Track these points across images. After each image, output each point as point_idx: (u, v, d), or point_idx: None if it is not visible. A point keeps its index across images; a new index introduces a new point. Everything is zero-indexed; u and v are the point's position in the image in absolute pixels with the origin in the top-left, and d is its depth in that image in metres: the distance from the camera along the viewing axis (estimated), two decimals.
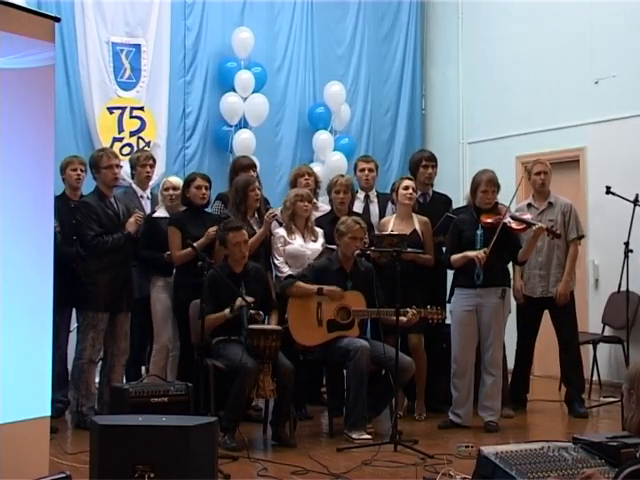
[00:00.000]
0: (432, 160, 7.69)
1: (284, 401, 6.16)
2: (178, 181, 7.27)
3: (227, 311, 6.21)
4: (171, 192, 7.12)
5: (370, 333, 7.09)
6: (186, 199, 6.92)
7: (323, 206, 7.68)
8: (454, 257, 6.67)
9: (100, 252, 6.53)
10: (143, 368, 7.40)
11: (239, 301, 6.14)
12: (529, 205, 7.42)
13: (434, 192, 7.79)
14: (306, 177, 7.54)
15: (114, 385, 6.26)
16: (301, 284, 6.54)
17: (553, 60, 9.29)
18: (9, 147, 4.55)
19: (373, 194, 7.79)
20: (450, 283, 7.24)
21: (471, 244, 6.63)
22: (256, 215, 7.07)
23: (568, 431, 6.59)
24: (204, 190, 6.91)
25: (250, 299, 6.15)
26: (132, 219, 6.69)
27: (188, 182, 6.94)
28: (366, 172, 7.71)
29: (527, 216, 6.94)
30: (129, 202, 7.20)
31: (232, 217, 6.76)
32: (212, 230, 6.71)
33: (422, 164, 7.63)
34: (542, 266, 7.30)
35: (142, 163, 7.39)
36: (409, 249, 6.68)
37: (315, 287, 6.51)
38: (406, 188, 7.12)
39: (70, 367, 6.85)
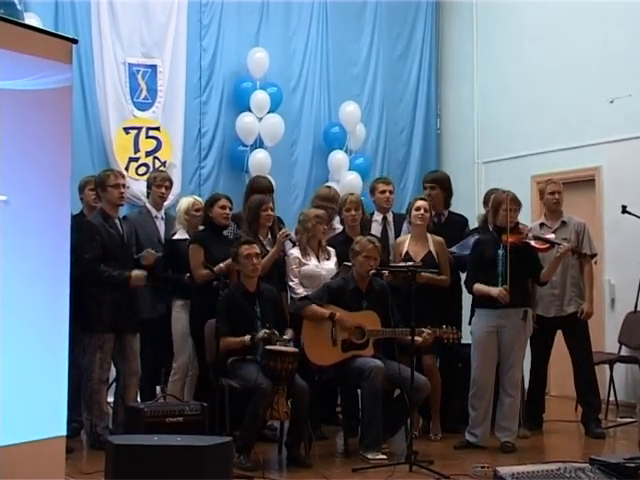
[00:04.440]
0: (430, 182, 7.73)
1: (299, 422, 6.14)
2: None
3: (247, 338, 6.21)
4: (201, 213, 7.13)
5: (385, 353, 7.08)
6: (208, 219, 6.94)
7: (338, 226, 7.68)
8: (477, 287, 6.64)
9: (91, 278, 6.43)
10: (158, 388, 7.40)
11: (262, 333, 6.15)
12: (541, 225, 7.39)
13: (450, 212, 7.79)
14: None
15: (129, 405, 6.25)
16: (314, 307, 6.54)
17: (568, 79, 9.28)
18: (26, 167, 4.59)
19: (390, 216, 7.79)
20: (465, 302, 7.24)
21: (493, 264, 6.59)
22: (269, 235, 7.08)
23: (585, 452, 6.54)
24: (227, 211, 6.95)
25: (274, 333, 6.18)
26: (147, 257, 6.71)
27: (212, 202, 6.96)
28: (387, 194, 7.70)
29: (550, 236, 6.91)
30: (143, 222, 7.23)
31: (245, 236, 6.78)
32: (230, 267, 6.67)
33: (424, 186, 7.75)
34: (556, 285, 7.26)
35: (158, 184, 7.39)
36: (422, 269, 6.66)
37: (327, 312, 6.50)
38: (418, 209, 7.11)
39: None
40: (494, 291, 6.52)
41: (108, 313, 6.49)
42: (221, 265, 6.65)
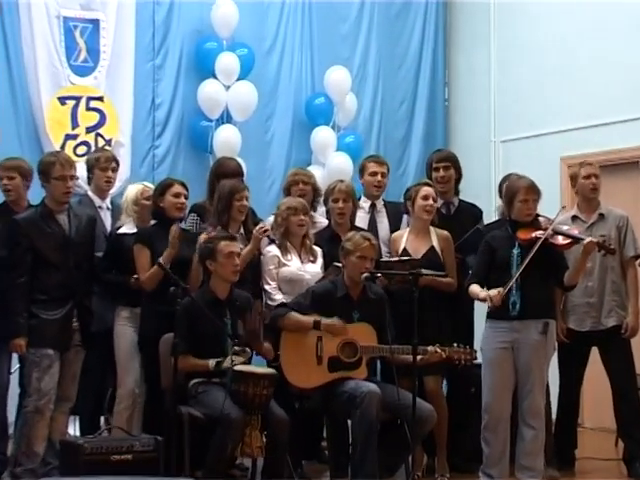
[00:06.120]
0: (443, 160, 7.73)
1: (276, 459, 6.14)
2: None
3: (212, 364, 6.21)
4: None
5: (380, 374, 7.07)
6: (158, 210, 6.91)
7: (321, 220, 7.68)
8: (472, 289, 6.66)
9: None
10: (102, 418, 7.36)
11: (229, 361, 6.13)
12: (574, 218, 7.39)
13: (461, 201, 7.79)
14: (301, 186, 7.53)
15: (65, 439, 6.25)
16: (295, 315, 6.53)
17: (605, 42, 9.31)
18: None
19: (380, 204, 7.79)
20: (478, 310, 7.23)
21: (506, 266, 6.59)
22: (242, 230, 7.06)
23: None
24: (182, 199, 6.91)
25: (241, 359, 6.18)
26: None
27: (163, 189, 6.92)
28: (378, 177, 7.70)
29: (574, 230, 6.91)
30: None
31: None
32: (174, 230, 6.65)
33: (433, 166, 7.72)
34: (593, 293, 7.26)
35: (102, 166, 7.36)
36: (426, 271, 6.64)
37: (311, 320, 6.50)
38: (425, 198, 7.09)
39: (11, 416, 6.82)
40: (482, 294, 6.54)
41: (49, 325, 6.45)
42: (167, 251, 6.60)
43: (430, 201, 7.08)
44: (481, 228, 7.37)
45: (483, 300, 6.52)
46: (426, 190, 7.11)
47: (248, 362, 6.35)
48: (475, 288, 6.64)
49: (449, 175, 7.66)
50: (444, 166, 7.67)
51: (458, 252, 7.24)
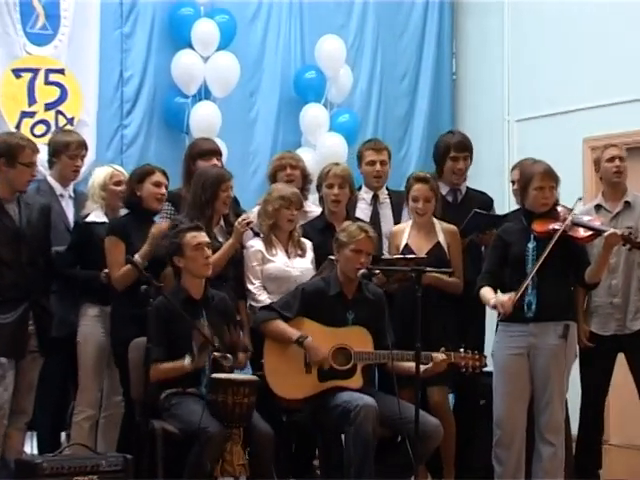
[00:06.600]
0: (464, 150, 7.74)
1: (260, 478, 6.16)
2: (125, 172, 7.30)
3: (187, 361, 6.20)
4: (123, 187, 7.10)
5: (378, 384, 7.11)
6: (134, 199, 6.93)
7: (313, 209, 7.72)
8: (482, 294, 6.69)
9: None
10: (63, 434, 7.39)
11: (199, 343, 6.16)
12: (598, 207, 7.42)
13: (469, 189, 7.83)
14: (288, 171, 7.55)
15: (21, 459, 6.22)
16: (280, 324, 6.55)
17: (635, 10, 9.31)
18: None
19: (384, 194, 7.80)
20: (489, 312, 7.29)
21: (521, 262, 6.63)
22: (222, 222, 7.08)
23: None
24: (163, 190, 6.94)
25: (226, 357, 6.18)
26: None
27: (142, 176, 6.93)
28: (377, 166, 7.71)
29: (596, 221, 6.93)
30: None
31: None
32: (156, 229, 6.71)
33: (450, 155, 7.69)
34: (617, 292, 7.29)
35: (72, 153, 7.34)
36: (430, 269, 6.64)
37: (295, 334, 6.51)
38: (415, 200, 7.13)
39: None
40: (492, 301, 6.56)
41: (2, 328, 6.44)
42: (144, 248, 6.64)
43: (419, 204, 7.10)
44: (479, 211, 7.37)
45: (493, 308, 6.57)
46: (416, 189, 7.12)
47: (230, 369, 6.37)
48: (485, 293, 6.66)
49: (467, 165, 7.72)
50: (464, 156, 7.71)
51: (461, 236, 7.29)
